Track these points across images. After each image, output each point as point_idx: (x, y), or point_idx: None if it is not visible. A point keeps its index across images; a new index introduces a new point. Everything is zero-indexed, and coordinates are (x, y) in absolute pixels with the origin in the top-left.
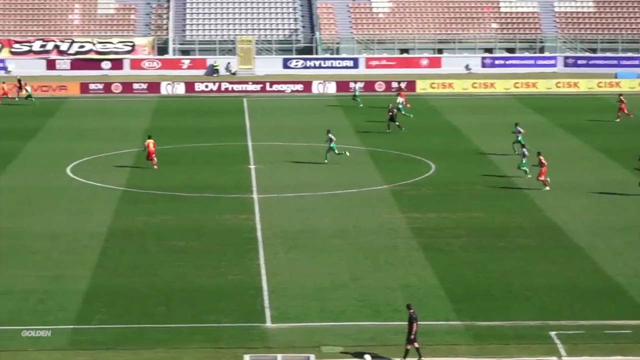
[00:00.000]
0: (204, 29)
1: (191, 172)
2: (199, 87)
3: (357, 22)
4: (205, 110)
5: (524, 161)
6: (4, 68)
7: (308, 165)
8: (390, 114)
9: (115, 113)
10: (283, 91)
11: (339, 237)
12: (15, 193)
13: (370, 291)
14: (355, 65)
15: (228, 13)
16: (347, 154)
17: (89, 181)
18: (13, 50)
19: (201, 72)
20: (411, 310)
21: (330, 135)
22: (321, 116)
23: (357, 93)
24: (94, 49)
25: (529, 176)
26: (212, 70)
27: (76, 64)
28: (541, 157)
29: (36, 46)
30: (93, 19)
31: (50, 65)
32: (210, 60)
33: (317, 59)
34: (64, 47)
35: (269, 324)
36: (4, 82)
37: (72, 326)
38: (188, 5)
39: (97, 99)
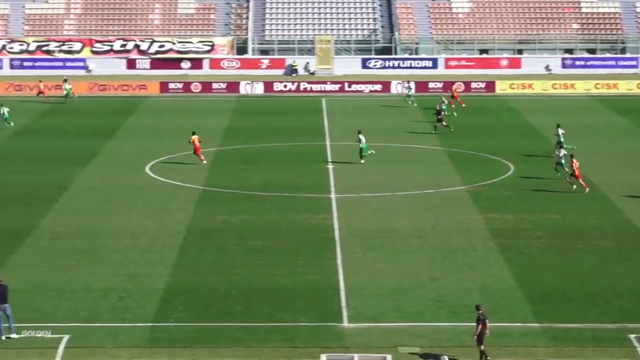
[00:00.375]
0: (283, 29)
1: (269, 172)
2: (277, 86)
3: (436, 22)
4: (284, 110)
5: (562, 161)
6: (85, 67)
7: (386, 165)
8: (439, 115)
9: (194, 112)
10: (362, 91)
11: (417, 237)
12: (95, 192)
13: (447, 292)
14: (434, 66)
15: (307, 13)
16: (373, 152)
17: (168, 180)
18: (94, 49)
19: (280, 72)
20: (480, 312)
21: (360, 135)
22: (399, 116)
23: (410, 93)
24: (174, 48)
25: (559, 175)
26: (291, 70)
27: (156, 64)
28: (574, 161)
29: (117, 45)
30: (173, 19)
31: (131, 64)
32: (289, 60)
33: (396, 59)
34: (144, 46)
35: (345, 323)
36: (41, 81)
37: (150, 324)
38: (267, 5)
39: (177, 99)
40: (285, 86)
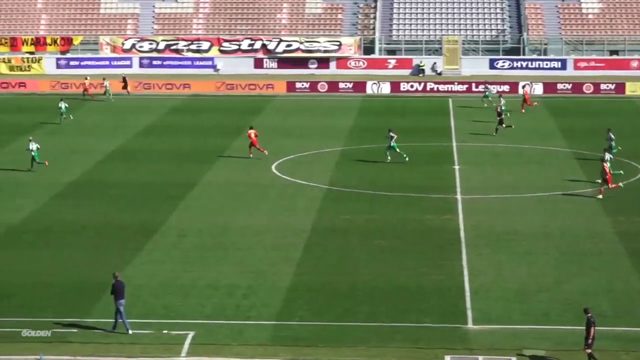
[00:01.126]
0: (410, 29)
1: (395, 172)
2: (404, 86)
3: (565, 22)
4: (410, 110)
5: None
6: (213, 66)
7: (513, 167)
8: (500, 117)
9: (320, 112)
10: None
11: (543, 239)
12: (222, 189)
13: (574, 295)
14: (563, 67)
15: (435, 13)
16: (407, 158)
17: (294, 179)
18: (222, 48)
19: (407, 71)
20: (589, 314)
21: (391, 133)
22: (527, 117)
23: (487, 93)
24: (301, 48)
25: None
26: (418, 70)
27: (283, 63)
28: (605, 165)
29: (244, 45)
30: (301, 19)
31: (258, 63)
32: (416, 60)
33: (524, 60)
34: (271, 46)
35: (470, 325)
36: (86, 78)
37: (274, 322)
38: (395, 5)
39: (303, 98)
40: (411, 86)
